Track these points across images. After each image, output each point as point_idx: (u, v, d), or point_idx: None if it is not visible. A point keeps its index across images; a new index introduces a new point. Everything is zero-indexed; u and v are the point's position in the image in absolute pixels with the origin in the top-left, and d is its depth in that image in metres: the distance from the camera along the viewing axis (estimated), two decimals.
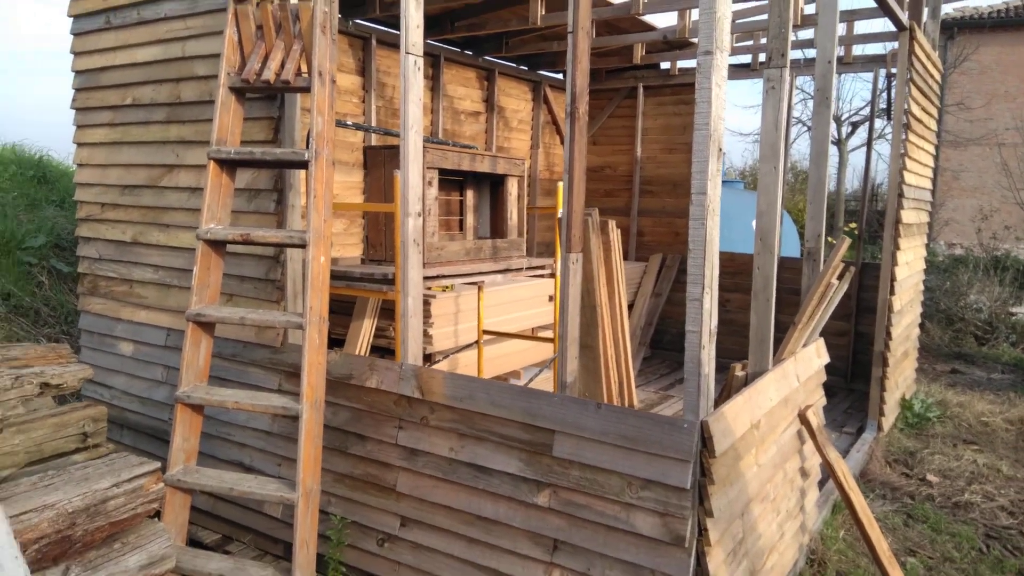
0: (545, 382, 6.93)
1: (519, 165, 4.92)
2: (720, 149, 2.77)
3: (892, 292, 6.55)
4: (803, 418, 3.88)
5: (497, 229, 5.11)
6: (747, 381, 3.63)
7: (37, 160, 8.92)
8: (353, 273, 4.27)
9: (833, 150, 23.63)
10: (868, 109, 22.29)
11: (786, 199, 20.02)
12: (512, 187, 4.98)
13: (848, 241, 3.80)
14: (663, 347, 9.49)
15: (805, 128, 22.65)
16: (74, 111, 5.01)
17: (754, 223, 11.59)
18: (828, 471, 3.95)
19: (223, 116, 3.73)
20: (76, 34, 4.94)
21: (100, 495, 3.09)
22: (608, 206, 9.62)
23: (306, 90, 3.66)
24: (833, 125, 22.49)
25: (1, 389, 3.50)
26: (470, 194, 5.04)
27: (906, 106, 6.38)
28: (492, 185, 5.15)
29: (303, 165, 3.63)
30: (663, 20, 9.22)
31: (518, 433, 3.24)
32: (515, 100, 8.81)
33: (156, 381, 4.66)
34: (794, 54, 8.92)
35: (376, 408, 3.70)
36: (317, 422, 3.52)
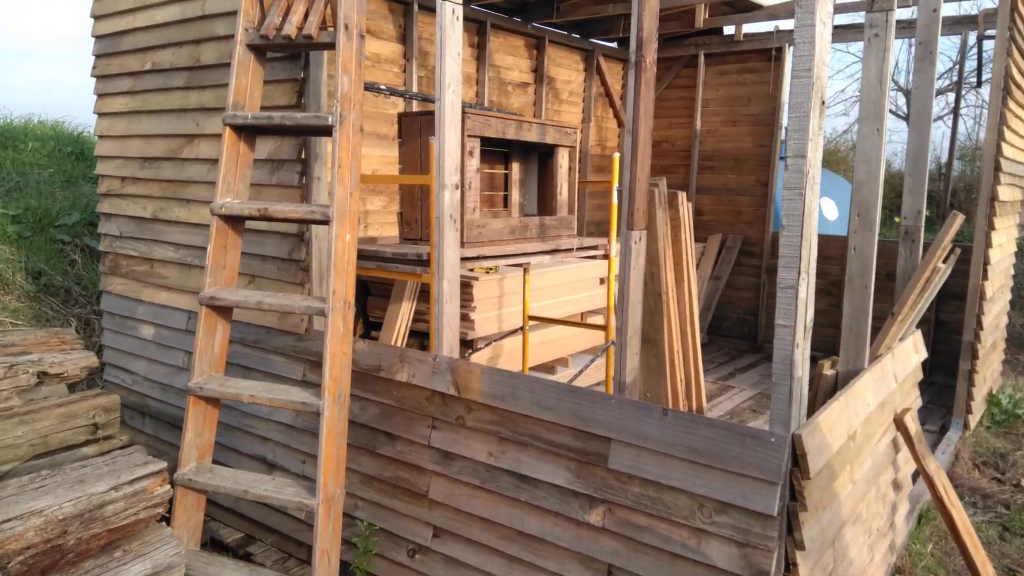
0: (597, 371, 6.45)
1: (570, 135, 4.44)
2: (823, 102, 2.26)
3: (984, 277, 5.90)
4: (900, 424, 3.35)
5: (545, 206, 4.64)
6: (836, 381, 3.11)
7: (76, 136, 8.74)
8: (385, 253, 3.87)
9: (901, 125, 22.39)
10: (950, 77, 20.96)
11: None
12: (562, 159, 4.50)
13: (961, 218, 3.24)
14: (721, 333, 8.92)
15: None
16: (95, 79, 4.69)
17: (823, 200, 10.76)
18: (927, 485, 3.41)
19: (240, 77, 3.34)
20: None
21: (96, 499, 2.74)
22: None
23: (331, 46, 3.24)
24: (902, 98, 21.29)
25: None
26: (516, 167, 4.57)
27: (1006, 68, 5.68)
28: (540, 157, 4.68)
29: (327, 131, 3.21)
30: None
31: (568, 440, 2.79)
32: (566, 70, 8.28)
33: (176, 367, 4.34)
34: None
35: (407, 404, 3.29)
36: (340, 419, 3.13)
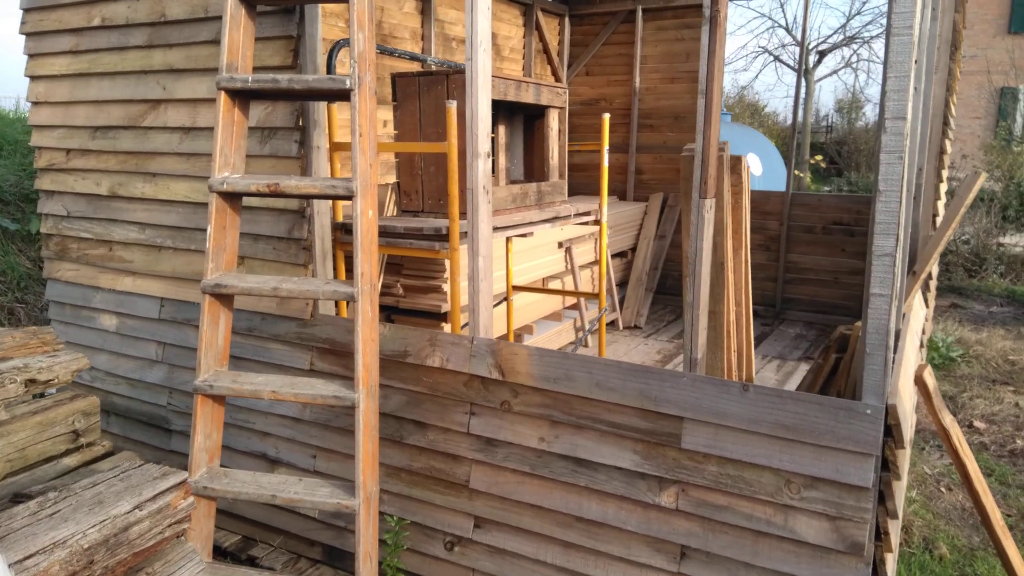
0: (559, 336, 6.37)
1: (561, 95, 4.24)
2: (916, 61, 2.17)
3: (935, 227, 6.14)
4: (919, 380, 3.41)
5: (534, 171, 4.44)
6: None
7: None
8: (395, 228, 3.59)
9: (792, 78, 23.19)
10: (838, 37, 21.82)
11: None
12: (553, 121, 4.30)
13: (983, 176, 3.29)
14: (666, 291, 9.00)
15: (772, 58, 22.18)
16: (24, 37, 4.10)
17: (749, 156, 10.98)
18: (942, 438, 3.51)
19: (233, 34, 2.95)
20: None
21: (121, 522, 2.43)
22: None
23: None
24: (797, 52, 22.02)
25: None
26: (502, 130, 4.34)
27: (954, 23, 5.85)
28: (526, 119, 4.46)
29: (344, 95, 2.89)
30: None
31: (633, 421, 2.67)
32: (506, 25, 8.00)
33: (149, 360, 3.93)
34: None
35: (440, 391, 3.08)
36: (374, 412, 2.89)
